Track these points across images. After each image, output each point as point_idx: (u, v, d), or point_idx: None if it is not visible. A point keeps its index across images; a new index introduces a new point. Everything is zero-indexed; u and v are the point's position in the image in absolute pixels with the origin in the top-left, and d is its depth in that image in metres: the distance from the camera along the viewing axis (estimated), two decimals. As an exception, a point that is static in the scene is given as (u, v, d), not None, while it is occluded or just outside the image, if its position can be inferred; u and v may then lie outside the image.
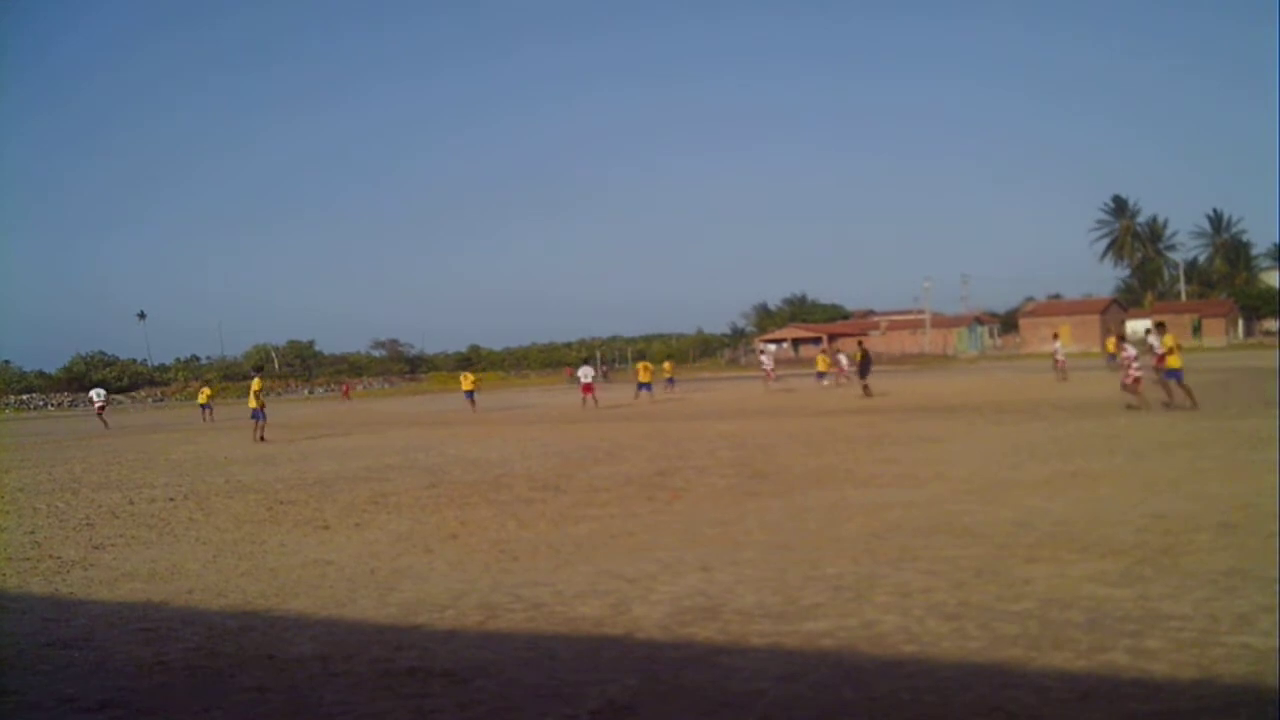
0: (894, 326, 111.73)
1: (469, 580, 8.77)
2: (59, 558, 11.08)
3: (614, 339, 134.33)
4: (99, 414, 47.02)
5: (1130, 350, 24.61)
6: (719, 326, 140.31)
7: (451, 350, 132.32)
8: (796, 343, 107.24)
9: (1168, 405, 22.29)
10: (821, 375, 48.82)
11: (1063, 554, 8.39)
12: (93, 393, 51.33)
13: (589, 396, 38.11)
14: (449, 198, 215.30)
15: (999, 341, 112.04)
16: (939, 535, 9.49)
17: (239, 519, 13.24)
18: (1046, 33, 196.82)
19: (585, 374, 39.74)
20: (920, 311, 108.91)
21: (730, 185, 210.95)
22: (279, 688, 6.06)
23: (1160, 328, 24.62)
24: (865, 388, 35.39)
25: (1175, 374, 22.52)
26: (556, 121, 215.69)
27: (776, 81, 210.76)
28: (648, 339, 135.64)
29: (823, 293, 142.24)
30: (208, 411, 48.52)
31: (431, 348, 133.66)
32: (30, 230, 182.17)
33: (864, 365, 35.98)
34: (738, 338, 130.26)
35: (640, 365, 45.08)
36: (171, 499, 15.64)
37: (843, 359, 48.26)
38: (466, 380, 44.48)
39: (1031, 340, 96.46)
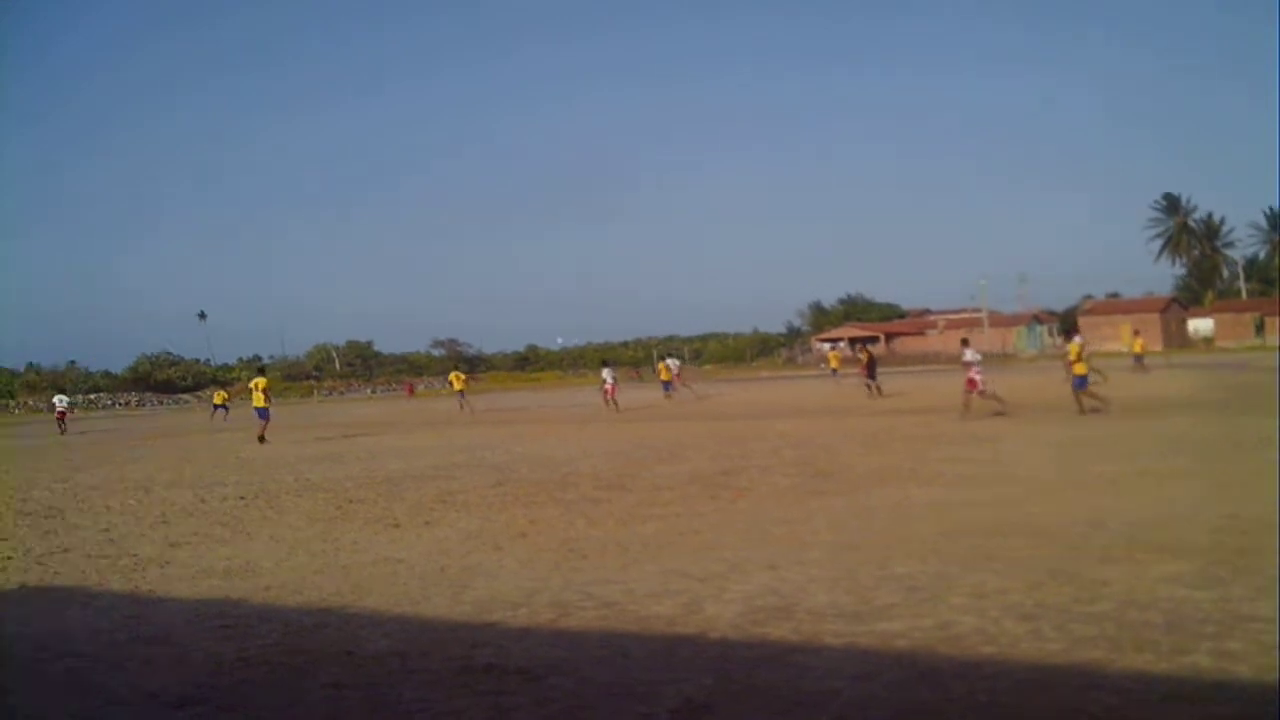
0: (951, 325, 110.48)
1: (540, 578, 8.83)
2: (136, 555, 11.27)
3: (671, 338, 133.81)
4: (59, 420, 48.35)
5: (970, 356, 24.91)
6: (775, 325, 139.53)
7: (509, 350, 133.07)
8: (853, 341, 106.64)
9: (1095, 411, 22.27)
10: (835, 372, 50.03)
11: (1138, 555, 8.30)
12: (55, 398, 53.02)
13: (611, 398, 38.33)
14: (509, 196, 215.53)
15: (1058, 340, 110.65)
16: (1010, 536, 9.43)
17: (310, 517, 13.42)
18: (1111, 34, 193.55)
19: (607, 375, 39.93)
20: (977, 310, 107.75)
21: (786, 182, 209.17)
22: (357, 684, 6.15)
23: (1068, 335, 24.63)
24: (875, 388, 36.23)
25: (1081, 381, 22.79)
26: (610, 118, 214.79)
27: (829, 77, 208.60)
28: (704, 338, 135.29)
29: (879, 291, 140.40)
30: (223, 412, 50.06)
31: (490, 347, 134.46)
32: (94, 233, 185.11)
33: (870, 367, 37.08)
34: (794, 337, 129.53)
35: (661, 365, 46.62)
36: (243, 497, 15.87)
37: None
38: (458, 380, 46.06)
39: (1091, 339, 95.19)
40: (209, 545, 11.67)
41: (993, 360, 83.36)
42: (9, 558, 11.48)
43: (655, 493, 13.75)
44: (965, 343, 26.13)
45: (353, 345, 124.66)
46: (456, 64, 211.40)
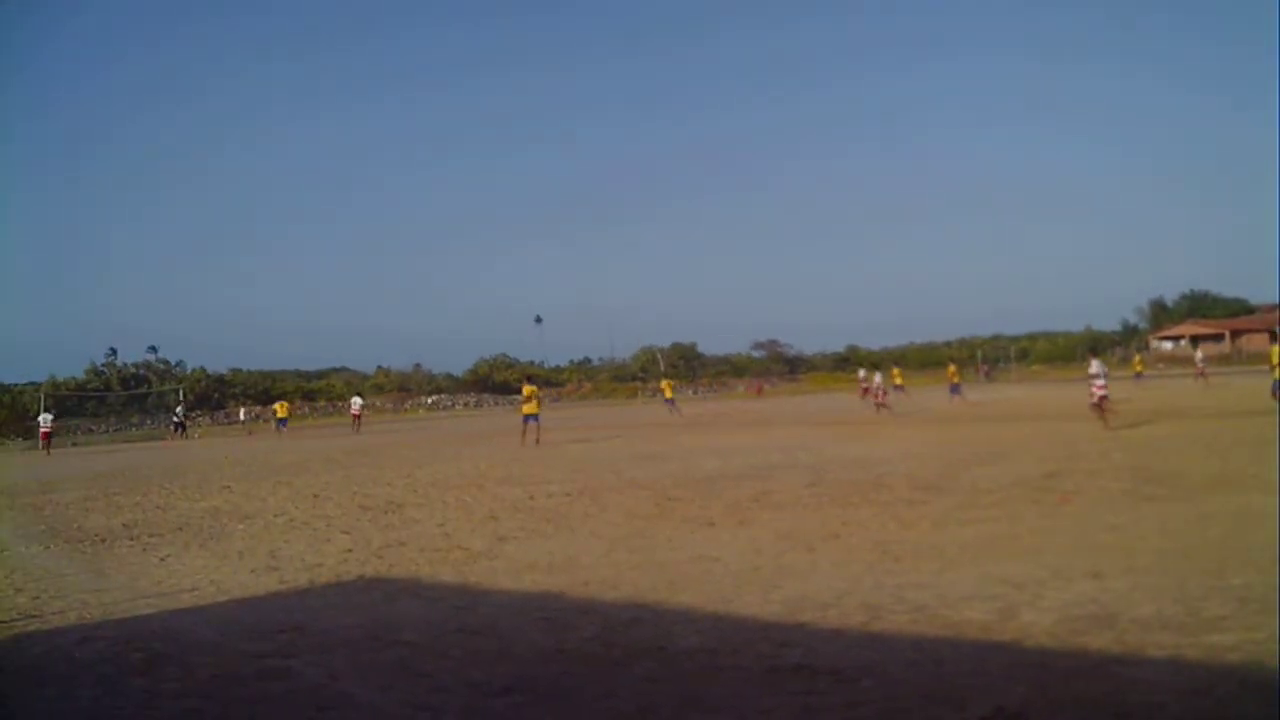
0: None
1: (851, 580, 8.78)
2: (467, 548, 11.87)
3: (996, 337, 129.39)
4: (355, 420, 54.98)
5: (1095, 368, 24.72)
6: (1110, 323, 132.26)
7: (829, 350, 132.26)
8: (1195, 340, 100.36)
9: None
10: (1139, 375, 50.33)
11: None
12: (353, 400, 58.80)
13: (879, 403, 37.41)
14: (830, 200, 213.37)
15: None
16: (1361, 545, 8.68)
17: (630, 514, 13.80)
18: None
19: (872, 378, 39.49)
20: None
21: (1119, 167, 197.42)
22: (669, 679, 6.29)
23: (1273, 338, 24.08)
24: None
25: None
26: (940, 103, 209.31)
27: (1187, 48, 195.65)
28: (1032, 337, 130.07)
29: (1228, 286, 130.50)
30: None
31: (809, 347, 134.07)
32: (439, 245, 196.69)
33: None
34: (1130, 335, 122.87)
35: (950, 369, 46.20)
36: (567, 494, 16.48)
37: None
38: (668, 388, 52.44)
39: None
40: (534, 540, 12.18)
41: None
42: (349, 550, 12.32)
43: (974, 495, 13.41)
44: (1093, 353, 25.98)
45: (677, 347, 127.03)
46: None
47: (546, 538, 12.31)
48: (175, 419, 65.69)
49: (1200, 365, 48.31)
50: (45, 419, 53.50)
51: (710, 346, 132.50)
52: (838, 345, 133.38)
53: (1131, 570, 8.36)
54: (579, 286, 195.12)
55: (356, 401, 58.45)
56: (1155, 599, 7.35)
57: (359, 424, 54.10)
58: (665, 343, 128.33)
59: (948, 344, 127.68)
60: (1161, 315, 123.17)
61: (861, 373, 54.65)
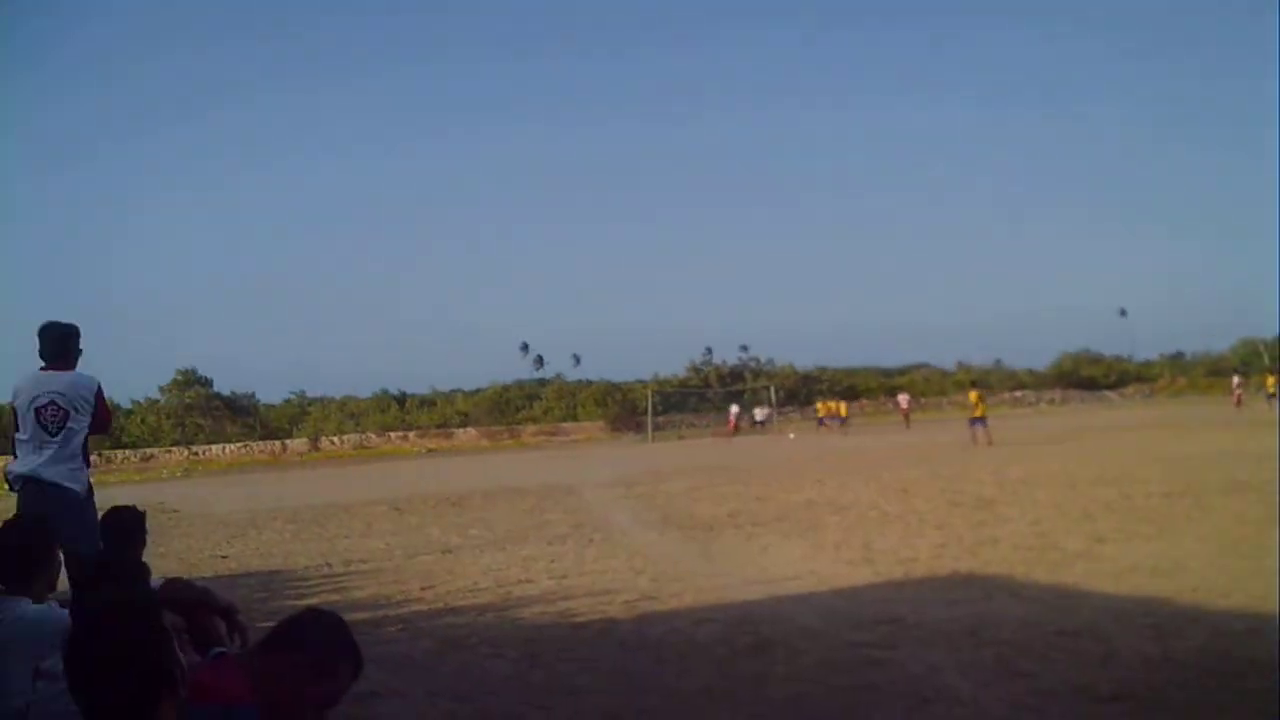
0: None
1: None
2: (1061, 548, 11.65)
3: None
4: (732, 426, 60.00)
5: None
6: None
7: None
8: None
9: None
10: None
11: None
12: (730, 409, 64.03)
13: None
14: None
15: None
16: None
17: (1239, 518, 12.87)
18: None
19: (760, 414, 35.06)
20: None
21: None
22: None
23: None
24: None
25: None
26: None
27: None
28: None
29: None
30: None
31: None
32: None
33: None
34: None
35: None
36: (1167, 494, 15.67)
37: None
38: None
39: None
40: (1133, 542, 11.73)
41: None
42: (941, 545, 12.47)
43: None
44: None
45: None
46: None
47: (1146, 539, 11.82)
48: (755, 418, 68.28)
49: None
50: (733, 409, 62.29)
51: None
52: None
53: None
54: (1168, 277, 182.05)
55: (734, 409, 62.69)
56: None
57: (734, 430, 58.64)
58: (1271, 333, 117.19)
59: None
60: None
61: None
